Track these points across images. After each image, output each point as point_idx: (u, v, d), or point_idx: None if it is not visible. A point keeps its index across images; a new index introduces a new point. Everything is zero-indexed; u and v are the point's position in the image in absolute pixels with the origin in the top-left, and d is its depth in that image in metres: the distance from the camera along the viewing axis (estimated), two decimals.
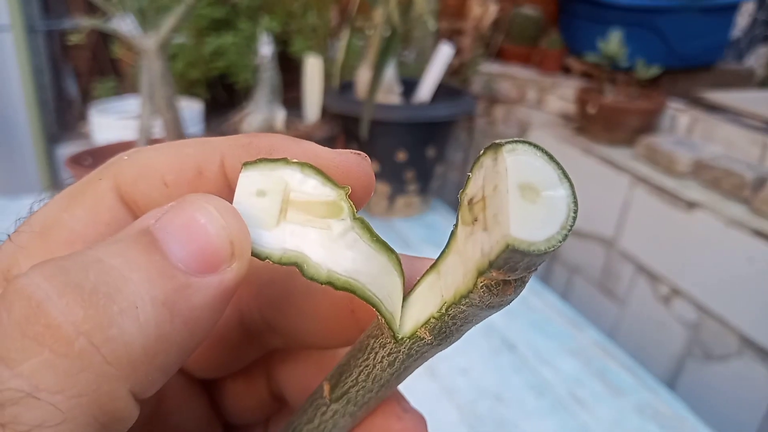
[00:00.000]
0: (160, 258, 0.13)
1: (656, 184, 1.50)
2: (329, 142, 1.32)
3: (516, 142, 0.13)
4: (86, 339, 0.12)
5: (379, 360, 0.17)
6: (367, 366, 0.17)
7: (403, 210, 1.33)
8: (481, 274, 0.13)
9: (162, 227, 0.14)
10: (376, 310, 0.16)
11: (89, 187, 0.18)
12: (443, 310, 0.15)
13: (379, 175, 1.32)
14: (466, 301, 0.14)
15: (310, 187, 0.16)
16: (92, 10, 1.29)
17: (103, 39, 1.76)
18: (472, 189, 0.14)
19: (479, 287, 0.14)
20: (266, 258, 0.15)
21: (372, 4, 1.26)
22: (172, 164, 0.17)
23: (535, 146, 0.13)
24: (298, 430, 0.20)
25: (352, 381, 0.18)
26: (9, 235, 0.17)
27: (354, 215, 0.16)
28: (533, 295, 1.19)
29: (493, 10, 2.02)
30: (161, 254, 0.13)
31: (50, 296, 0.12)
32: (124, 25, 0.96)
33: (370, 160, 0.18)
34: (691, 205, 1.40)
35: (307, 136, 1.28)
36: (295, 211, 0.15)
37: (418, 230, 1.29)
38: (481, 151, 0.14)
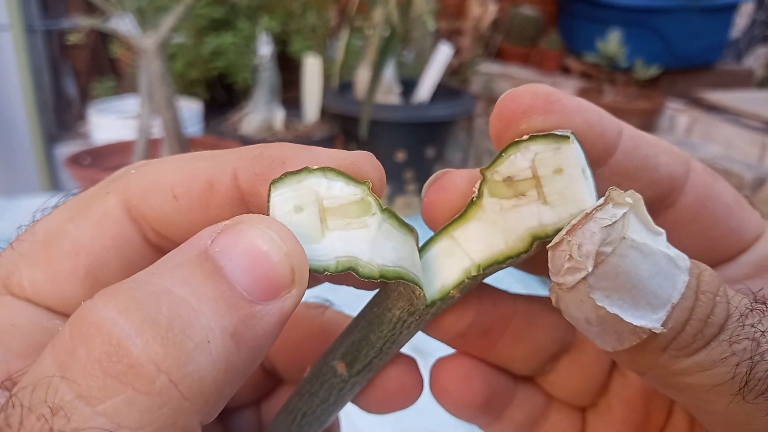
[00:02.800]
0: (227, 288, 0.13)
1: None
2: (328, 142, 1.32)
3: (570, 132, 0.15)
4: (166, 376, 0.12)
5: (407, 326, 0.18)
6: (393, 334, 0.18)
7: (402, 210, 1.33)
8: (538, 239, 0.16)
9: (223, 252, 0.14)
10: (417, 286, 0.17)
11: (96, 199, 0.17)
12: (481, 271, 0.17)
13: None
14: (511, 261, 0.16)
15: (337, 190, 0.16)
16: (91, 9, 1.29)
17: (102, 39, 1.76)
18: (510, 168, 0.16)
19: (533, 249, 0.16)
20: (324, 271, 0.16)
21: (371, 4, 1.26)
22: (182, 178, 0.17)
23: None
24: (311, 412, 0.20)
25: (374, 352, 0.19)
26: (10, 243, 0.17)
27: (381, 207, 0.17)
28: (520, 284, 1.20)
29: (492, 10, 2.02)
30: (227, 283, 0.13)
31: (129, 334, 0.12)
32: (123, 24, 0.96)
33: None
34: None
35: (307, 136, 1.28)
36: (333, 217, 0.16)
37: (418, 230, 1.28)
38: (525, 137, 0.16)
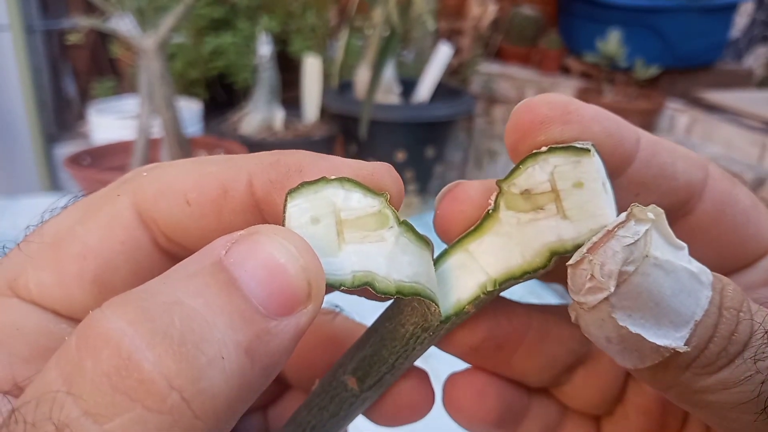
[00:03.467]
0: (242, 301, 0.13)
1: None
2: (328, 142, 1.32)
3: (591, 144, 0.15)
4: (178, 394, 0.12)
5: (421, 341, 0.18)
6: (406, 350, 0.18)
7: (402, 210, 1.33)
8: (556, 254, 0.15)
9: (239, 264, 0.13)
10: (433, 302, 0.16)
11: (106, 202, 0.17)
12: (497, 286, 0.16)
13: None
14: (528, 276, 0.16)
15: (354, 201, 0.16)
16: (91, 9, 1.29)
17: (102, 39, 1.76)
18: (528, 181, 0.16)
19: (551, 264, 0.16)
20: (340, 286, 0.15)
21: (371, 4, 1.26)
22: (195, 182, 0.17)
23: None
24: (321, 426, 0.20)
25: (386, 368, 0.19)
26: (18, 244, 0.17)
27: (399, 220, 0.16)
28: (532, 295, 1.19)
29: (492, 10, 2.02)
30: (242, 296, 0.13)
31: (139, 347, 0.12)
32: (123, 24, 0.96)
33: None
34: None
35: (307, 136, 1.28)
36: (350, 230, 0.16)
37: (418, 230, 1.28)
38: (544, 149, 0.15)
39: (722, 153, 1.53)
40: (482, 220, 0.16)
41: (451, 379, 0.21)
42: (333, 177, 0.16)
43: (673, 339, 0.14)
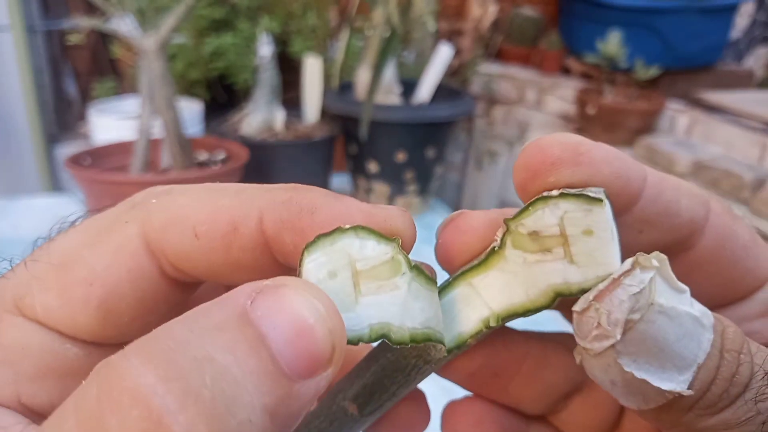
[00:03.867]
0: (270, 362, 0.13)
1: None
2: (329, 143, 1.32)
3: (604, 195, 0.15)
4: None
5: (423, 372, 0.18)
6: (407, 380, 0.19)
7: None
8: (561, 296, 0.16)
9: (266, 319, 0.13)
10: (441, 344, 0.17)
11: (115, 228, 0.17)
12: (499, 321, 0.17)
13: (378, 176, 1.32)
14: (531, 313, 0.16)
15: (369, 249, 0.16)
16: (92, 10, 1.29)
17: (103, 39, 1.76)
18: (537, 223, 0.16)
19: (554, 304, 0.16)
20: (358, 341, 0.15)
21: (371, 5, 1.27)
22: (205, 215, 0.17)
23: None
24: None
25: (387, 396, 0.19)
26: (25, 260, 0.17)
27: (411, 265, 0.16)
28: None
29: (492, 11, 2.02)
30: (270, 356, 0.13)
31: (171, 409, 0.11)
32: (124, 25, 0.96)
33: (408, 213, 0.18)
34: None
35: (307, 137, 1.28)
36: (366, 281, 0.16)
37: (418, 231, 1.29)
38: (555, 193, 0.15)
39: (722, 153, 1.53)
40: (487, 255, 0.17)
41: (450, 408, 0.21)
42: (348, 226, 0.16)
43: (677, 383, 0.14)
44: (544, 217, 0.16)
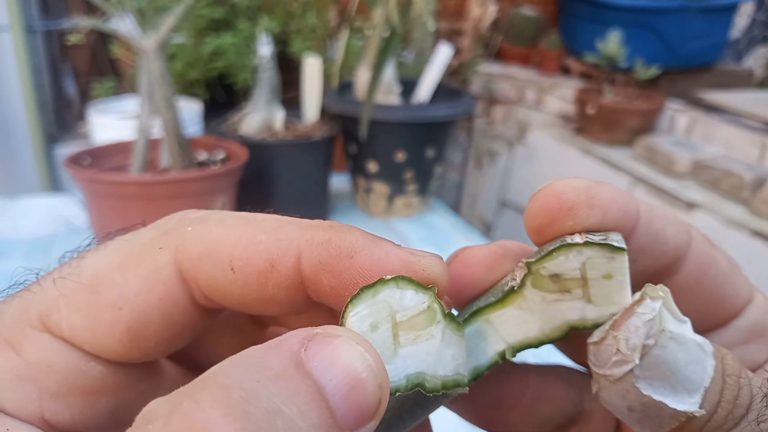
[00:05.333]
0: (329, 415, 0.13)
1: (655, 185, 1.50)
2: (328, 143, 1.32)
3: (623, 242, 0.16)
4: None
5: (438, 403, 0.19)
6: (425, 413, 0.19)
7: (402, 210, 1.33)
8: (575, 329, 0.17)
9: (322, 369, 0.13)
10: (465, 386, 0.17)
11: (148, 253, 0.17)
12: (514, 354, 0.18)
13: (378, 176, 1.32)
14: (544, 344, 0.17)
15: (407, 300, 0.16)
16: (91, 9, 1.29)
17: (102, 39, 1.76)
18: (559, 267, 0.17)
19: (567, 337, 0.17)
20: (395, 392, 0.15)
21: (371, 5, 1.27)
22: (243, 250, 0.17)
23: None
24: None
25: (404, 427, 0.19)
26: (53, 276, 0.17)
27: (444, 313, 0.17)
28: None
29: (492, 11, 2.02)
30: (328, 409, 0.13)
31: None
32: (123, 25, 0.96)
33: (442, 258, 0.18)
34: (690, 206, 1.40)
35: (307, 136, 1.28)
36: (404, 332, 0.16)
37: (418, 230, 1.29)
38: (580, 241, 0.16)
39: (722, 153, 1.53)
40: (506, 294, 0.17)
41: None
42: (389, 278, 0.16)
43: (688, 404, 0.15)
44: (567, 262, 0.16)
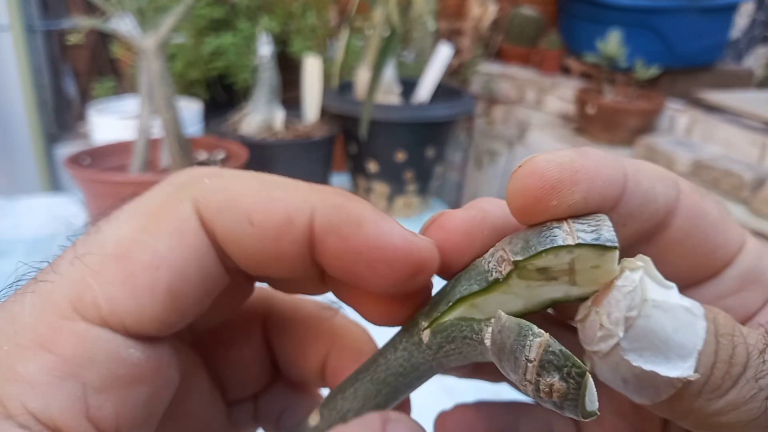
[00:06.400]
0: None
1: None
2: (328, 142, 1.32)
3: (615, 238, 0.16)
4: None
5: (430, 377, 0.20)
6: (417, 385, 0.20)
7: (402, 210, 1.33)
8: (557, 303, 0.17)
9: None
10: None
11: (170, 208, 0.17)
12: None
13: (378, 175, 1.32)
14: (523, 315, 0.17)
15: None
16: (91, 9, 1.29)
17: (102, 39, 1.76)
18: (548, 263, 0.16)
19: (546, 310, 0.18)
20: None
21: (371, 4, 1.27)
22: (262, 204, 0.17)
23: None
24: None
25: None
26: (71, 259, 0.16)
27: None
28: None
29: (492, 11, 2.02)
30: None
31: None
32: (123, 24, 0.96)
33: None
34: None
35: (307, 136, 1.28)
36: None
37: (418, 230, 1.29)
38: (571, 242, 0.16)
39: (722, 153, 1.53)
40: (491, 284, 0.17)
41: (441, 418, 0.22)
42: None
43: (683, 369, 0.15)
44: (556, 260, 0.16)
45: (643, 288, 0.15)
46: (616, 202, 0.17)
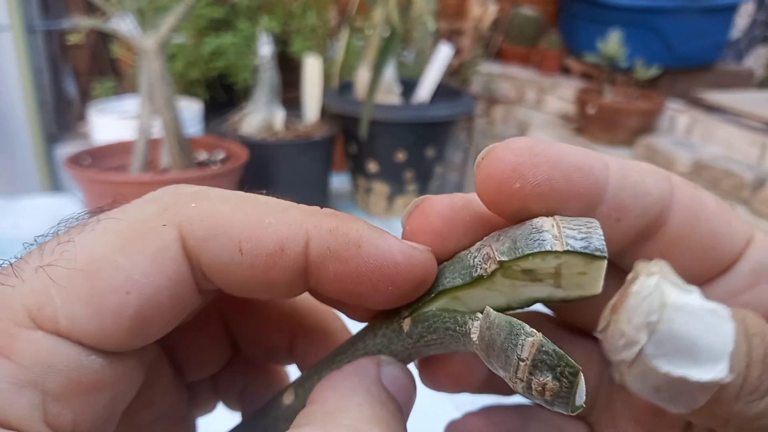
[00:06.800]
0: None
1: None
2: (328, 142, 1.32)
3: (605, 248, 0.16)
4: None
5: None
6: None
7: (402, 210, 1.33)
8: (539, 301, 0.17)
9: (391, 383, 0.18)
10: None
11: (150, 232, 0.16)
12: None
13: (378, 175, 1.32)
14: (506, 310, 0.17)
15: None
16: (91, 9, 1.29)
17: (103, 39, 1.76)
18: (535, 265, 0.16)
19: (530, 306, 0.17)
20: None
21: (371, 5, 1.27)
22: (252, 231, 0.16)
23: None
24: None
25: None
26: (35, 267, 0.15)
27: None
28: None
29: (492, 11, 2.02)
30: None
31: None
32: (124, 24, 0.96)
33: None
34: None
35: (307, 136, 1.28)
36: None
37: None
38: (559, 249, 0.16)
39: (722, 153, 1.53)
40: (475, 279, 0.17)
41: (451, 427, 0.22)
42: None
43: (715, 372, 0.14)
44: (543, 263, 0.16)
45: (661, 292, 0.15)
46: (596, 190, 0.16)
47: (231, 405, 0.25)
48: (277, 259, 0.16)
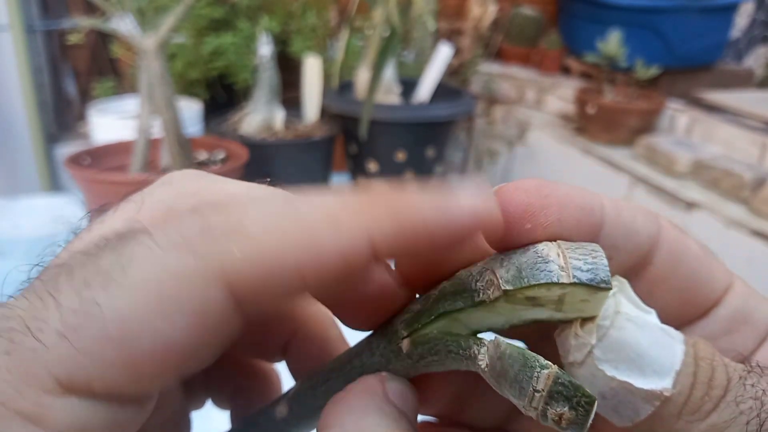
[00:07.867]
0: None
1: (655, 185, 1.50)
2: (328, 142, 1.32)
3: (610, 279, 0.16)
4: None
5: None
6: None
7: None
8: (537, 322, 0.17)
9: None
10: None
11: (193, 288, 0.14)
12: (474, 334, 0.19)
13: (378, 175, 1.32)
14: (500, 328, 0.18)
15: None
16: (91, 9, 1.29)
17: (102, 39, 1.76)
18: (540, 294, 0.16)
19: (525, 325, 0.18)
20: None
21: (371, 4, 1.27)
22: (311, 260, 0.15)
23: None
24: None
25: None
26: (58, 331, 0.14)
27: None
28: None
29: (492, 11, 2.02)
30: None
31: None
32: (123, 24, 0.96)
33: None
34: (690, 206, 1.40)
35: (307, 136, 1.28)
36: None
37: None
38: (566, 280, 0.16)
39: (722, 153, 1.53)
40: (476, 304, 0.17)
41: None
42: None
43: (659, 385, 0.15)
44: (548, 293, 0.16)
45: (616, 302, 0.16)
46: (595, 230, 0.17)
47: (220, 403, 0.25)
48: (342, 274, 0.16)
